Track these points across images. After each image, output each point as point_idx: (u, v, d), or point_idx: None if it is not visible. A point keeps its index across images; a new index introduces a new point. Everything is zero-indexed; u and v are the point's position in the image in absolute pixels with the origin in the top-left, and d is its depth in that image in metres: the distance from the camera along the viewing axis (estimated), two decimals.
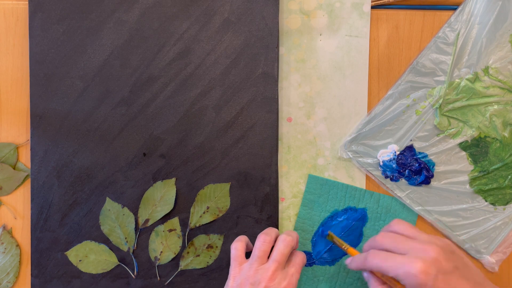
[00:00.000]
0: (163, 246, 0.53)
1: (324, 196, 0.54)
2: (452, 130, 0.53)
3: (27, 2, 0.52)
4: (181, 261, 0.53)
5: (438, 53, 0.53)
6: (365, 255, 0.45)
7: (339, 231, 0.54)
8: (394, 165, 0.53)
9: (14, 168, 0.54)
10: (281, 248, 0.46)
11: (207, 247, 0.53)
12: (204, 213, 0.53)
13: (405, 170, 0.53)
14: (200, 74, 0.53)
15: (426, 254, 0.41)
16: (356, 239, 0.54)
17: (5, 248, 0.53)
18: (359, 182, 0.54)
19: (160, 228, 0.53)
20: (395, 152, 0.53)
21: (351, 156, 0.53)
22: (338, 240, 0.51)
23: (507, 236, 0.53)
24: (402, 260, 0.41)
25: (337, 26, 0.54)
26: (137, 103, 0.53)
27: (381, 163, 0.53)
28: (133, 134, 0.53)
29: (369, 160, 0.53)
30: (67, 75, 0.52)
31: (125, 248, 0.53)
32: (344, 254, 0.54)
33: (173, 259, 0.53)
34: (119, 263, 0.53)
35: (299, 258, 0.48)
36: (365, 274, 0.46)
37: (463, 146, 0.53)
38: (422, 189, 0.54)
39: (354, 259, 0.47)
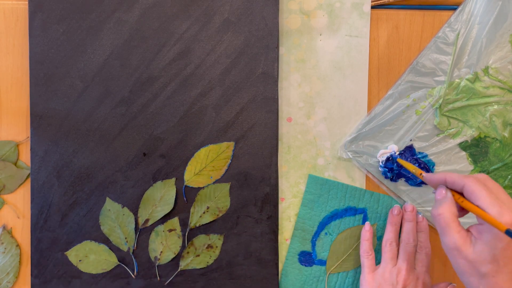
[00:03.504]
0: (163, 246, 0.53)
1: (324, 196, 0.54)
2: (452, 130, 0.53)
3: (27, 2, 0.52)
4: (181, 261, 0.53)
5: (438, 53, 0.53)
6: (464, 176, 0.41)
7: (337, 233, 0.54)
8: (393, 165, 0.53)
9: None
10: (407, 248, 0.50)
11: (207, 247, 0.53)
12: (204, 213, 0.53)
13: (405, 170, 0.53)
14: (200, 74, 0.53)
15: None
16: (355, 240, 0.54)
17: (5, 248, 0.53)
18: (359, 182, 0.54)
19: (160, 228, 0.53)
20: (395, 152, 0.53)
21: (351, 156, 0.53)
22: (408, 164, 0.49)
23: None
24: (502, 204, 0.38)
25: (337, 26, 0.54)
26: (137, 103, 0.53)
27: (381, 163, 0.53)
28: (133, 134, 0.53)
29: (369, 160, 0.53)
30: (67, 75, 0.52)
31: (125, 248, 0.53)
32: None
33: (173, 259, 0.53)
34: (119, 263, 0.53)
35: (425, 255, 0.50)
36: (442, 191, 0.43)
37: (463, 146, 0.53)
38: (422, 189, 0.54)
39: (451, 176, 0.42)
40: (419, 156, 0.53)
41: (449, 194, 0.42)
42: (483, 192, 0.39)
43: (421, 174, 0.47)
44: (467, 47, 0.52)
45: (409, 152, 0.53)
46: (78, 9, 0.52)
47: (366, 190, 0.54)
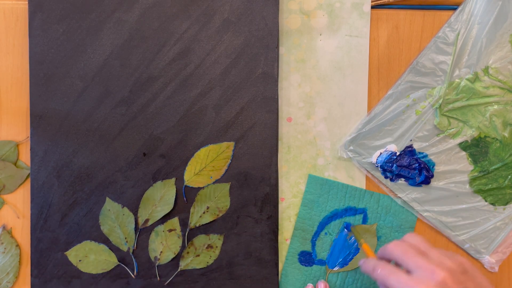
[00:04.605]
0: (163, 246, 0.53)
1: (324, 196, 0.54)
2: (452, 130, 0.53)
3: (27, 2, 0.52)
4: (181, 261, 0.53)
5: (438, 53, 0.53)
6: (373, 264, 0.44)
7: (337, 233, 0.54)
8: (393, 166, 0.53)
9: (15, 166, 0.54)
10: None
11: (207, 247, 0.53)
12: (204, 213, 0.53)
13: (405, 171, 0.53)
14: (200, 74, 0.53)
15: (432, 277, 0.39)
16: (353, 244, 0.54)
17: (5, 248, 0.53)
18: (359, 182, 0.54)
19: (160, 228, 0.53)
20: (395, 152, 0.53)
21: (351, 156, 0.53)
22: (358, 235, 0.51)
23: (507, 236, 0.53)
24: (405, 281, 0.40)
25: (337, 26, 0.54)
26: (137, 103, 0.53)
27: (376, 165, 0.53)
28: (133, 134, 0.53)
29: (369, 160, 0.53)
30: (67, 75, 0.52)
31: (125, 248, 0.53)
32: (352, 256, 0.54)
33: (173, 259, 0.53)
34: (119, 263, 0.53)
35: None
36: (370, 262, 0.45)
37: (463, 146, 0.53)
38: (422, 189, 0.54)
39: (364, 263, 0.45)
40: (419, 156, 0.53)
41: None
42: (386, 277, 0.41)
43: (362, 244, 0.49)
44: (467, 47, 0.52)
45: (409, 152, 0.53)
46: (78, 9, 0.52)
47: (366, 190, 0.54)
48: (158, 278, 0.53)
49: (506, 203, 0.53)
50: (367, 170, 0.54)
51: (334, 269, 0.54)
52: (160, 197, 0.53)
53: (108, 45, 0.52)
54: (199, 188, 0.53)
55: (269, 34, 0.53)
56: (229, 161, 0.53)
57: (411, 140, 0.53)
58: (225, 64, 0.53)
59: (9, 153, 0.54)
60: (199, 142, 0.53)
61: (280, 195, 0.54)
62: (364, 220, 0.54)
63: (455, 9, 0.53)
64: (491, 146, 0.53)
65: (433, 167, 0.53)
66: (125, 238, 0.53)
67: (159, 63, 0.52)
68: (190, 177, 0.53)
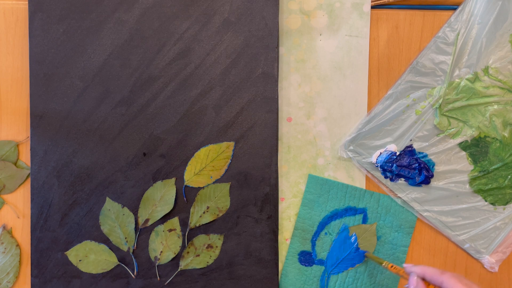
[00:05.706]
0: (163, 246, 0.53)
1: (324, 196, 0.54)
2: (452, 130, 0.53)
3: (27, 2, 0.52)
4: (181, 261, 0.53)
5: (438, 53, 0.53)
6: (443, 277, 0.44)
7: (337, 232, 0.54)
8: (393, 166, 0.53)
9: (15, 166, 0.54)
10: None
11: (207, 247, 0.53)
12: (204, 213, 0.53)
13: (405, 170, 0.53)
14: (200, 74, 0.53)
15: None
16: (351, 244, 0.54)
17: (5, 248, 0.54)
18: (359, 182, 0.54)
19: (160, 228, 0.53)
20: (394, 152, 0.53)
21: (351, 156, 0.53)
22: (377, 259, 0.51)
23: (507, 236, 0.53)
24: None
25: (337, 26, 0.54)
26: (137, 103, 0.53)
27: (376, 165, 0.53)
28: (133, 134, 0.53)
29: (369, 160, 0.53)
30: (67, 75, 0.52)
31: (125, 248, 0.53)
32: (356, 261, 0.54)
33: (173, 259, 0.53)
34: (119, 263, 0.53)
35: None
36: (414, 279, 0.45)
37: (463, 146, 0.53)
38: (422, 189, 0.54)
39: (430, 272, 0.45)
40: (419, 156, 0.53)
41: (420, 284, 0.45)
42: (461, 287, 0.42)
43: (392, 266, 0.48)
44: (467, 47, 0.52)
45: (409, 152, 0.53)
46: (78, 9, 0.52)
47: (366, 190, 0.54)
48: (158, 278, 0.53)
49: (506, 203, 0.53)
50: (367, 170, 0.54)
51: (334, 269, 0.54)
52: (160, 197, 0.53)
53: (108, 45, 0.52)
54: (199, 188, 0.53)
55: (269, 34, 0.53)
56: (229, 161, 0.53)
57: (411, 140, 0.53)
58: (225, 64, 0.53)
59: (9, 153, 0.54)
60: (199, 142, 0.53)
61: (280, 195, 0.54)
62: (364, 220, 0.54)
63: (455, 9, 0.53)
64: (491, 146, 0.53)
65: (433, 167, 0.53)
66: (125, 238, 0.53)
67: (159, 63, 0.52)
68: (190, 177, 0.53)
